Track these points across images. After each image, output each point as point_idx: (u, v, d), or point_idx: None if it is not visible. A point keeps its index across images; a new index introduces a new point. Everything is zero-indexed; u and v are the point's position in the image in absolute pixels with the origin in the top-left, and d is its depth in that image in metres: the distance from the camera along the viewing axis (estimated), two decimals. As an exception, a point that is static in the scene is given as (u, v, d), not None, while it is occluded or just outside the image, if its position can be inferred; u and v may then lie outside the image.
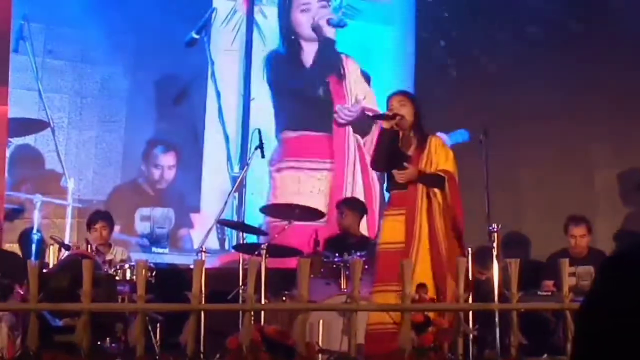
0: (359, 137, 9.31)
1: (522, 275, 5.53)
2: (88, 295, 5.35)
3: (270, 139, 9.02)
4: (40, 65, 8.64)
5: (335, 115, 9.29)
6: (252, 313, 5.58)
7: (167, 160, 9.04)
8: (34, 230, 7.66)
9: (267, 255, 6.76)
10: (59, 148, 8.56)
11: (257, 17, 9.42)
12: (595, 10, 9.21)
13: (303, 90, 9.36)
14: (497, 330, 5.90)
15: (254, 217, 8.30)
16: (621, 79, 8.93)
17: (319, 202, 8.75)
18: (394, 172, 6.11)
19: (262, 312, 6.14)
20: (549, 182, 9.07)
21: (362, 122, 9.22)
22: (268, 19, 9.46)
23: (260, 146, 7.53)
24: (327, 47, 9.43)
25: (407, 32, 9.59)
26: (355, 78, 9.41)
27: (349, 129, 9.33)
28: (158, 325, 6.63)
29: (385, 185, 6.50)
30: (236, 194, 8.47)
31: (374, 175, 9.16)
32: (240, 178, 7.86)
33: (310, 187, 9.14)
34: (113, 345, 6.40)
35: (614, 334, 1.45)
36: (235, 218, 8.65)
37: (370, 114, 9.13)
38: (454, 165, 6.22)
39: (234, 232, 8.74)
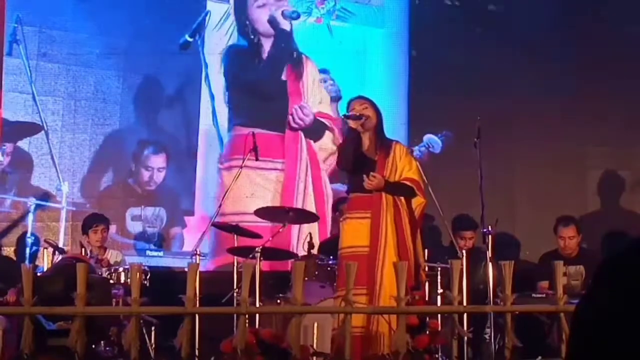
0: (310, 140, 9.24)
1: (515, 276, 5.54)
2: (82, 298, 5.35)
3: (224, 135, 9.02)
4: (34, 69, 8.63)
5: (289, 117, 9.17)
6: (247, 316, 5.58)
7: (158, 162, 9.00)
8: (28, 234, 7.65)
9: (262, 258, 6.76)
10: (53, 151, 8.54)
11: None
12: (591, 15, 9.23)
13: (259, 86, 9.28)
14: (492, 332, 5.91)
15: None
16: (615, 82, 8.95)
17: (273, 203, 8.73)
18: (365, 178, 6.04)
19: (257, 315, 6.14)
20: (542, 184, 9.08)
21: (316, 127, 9.17)
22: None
23: (255, 148, 7.52)
24: (282, 40, 9.30)
25: (400, 35, 9.60)
26: (313, 80, 9.34)
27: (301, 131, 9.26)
28: (152, 328, 6.62)
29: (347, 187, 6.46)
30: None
31: (326, 179, 9.12)
32: (233, 180, 7.85)
33: (262, 188, 9.04)
34: (107, 348, 6.40)
35: (609, 337, 1.46)
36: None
37: (325, 120, 9.08)
38: (418, 174, 6.18)
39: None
